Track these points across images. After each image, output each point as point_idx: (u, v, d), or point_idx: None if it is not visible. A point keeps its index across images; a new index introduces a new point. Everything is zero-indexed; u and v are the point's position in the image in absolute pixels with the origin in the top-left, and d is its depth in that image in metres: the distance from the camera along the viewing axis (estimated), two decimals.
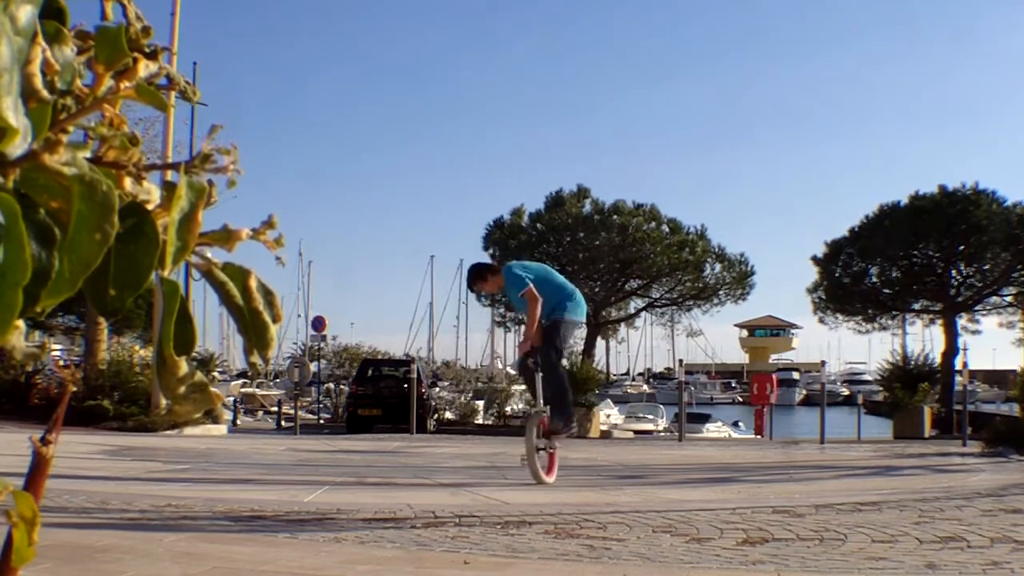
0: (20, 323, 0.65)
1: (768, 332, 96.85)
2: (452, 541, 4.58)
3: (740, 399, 63.16)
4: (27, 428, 12.24)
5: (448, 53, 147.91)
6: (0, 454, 7.54)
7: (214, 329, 50.98)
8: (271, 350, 0.83)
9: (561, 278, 7.34)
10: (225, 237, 0.80)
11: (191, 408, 0.83)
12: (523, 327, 8.07)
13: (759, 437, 21.30)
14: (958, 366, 21.07)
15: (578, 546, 4.48)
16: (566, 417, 6.97)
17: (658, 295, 31.07)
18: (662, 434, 25.76)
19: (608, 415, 27.33)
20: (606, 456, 11.25)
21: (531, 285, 6.84)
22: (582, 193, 29.13)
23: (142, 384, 16.01)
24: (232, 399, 27.37)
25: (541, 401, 7.01)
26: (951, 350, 24.72)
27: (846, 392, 58.51)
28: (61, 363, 22.47)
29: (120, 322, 20.93)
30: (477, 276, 7.33)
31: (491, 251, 30.48)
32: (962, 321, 26.82)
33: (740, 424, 32.86)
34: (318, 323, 25.35)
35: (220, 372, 35.03)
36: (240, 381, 38.52)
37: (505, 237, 29.43)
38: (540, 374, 6.98)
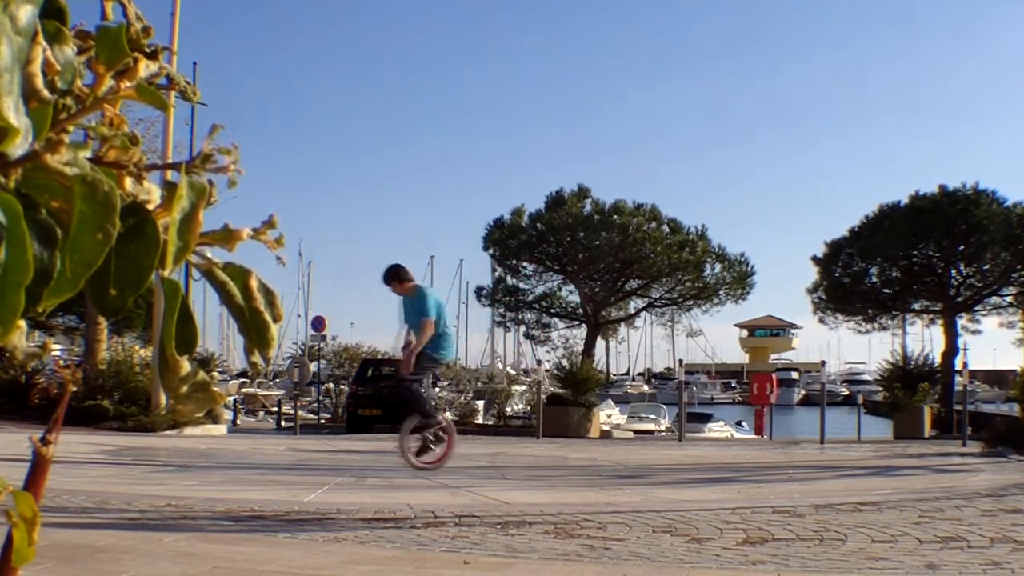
0: (22, 323, 0.65)
1: (768, 332, 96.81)
2: (452, 541, 4.58)
3: (740, 399, 63.11)
4: (27, 428, 12.23)
5: (448, 53, 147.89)
6: (0, 454, 7.54)
7: (214, 329, 50.88)
8: (272, 350, 0.83)
9: (445, 316, 8.35)
10: (226, 237, 0.80)
11: (194, 407, 0.83)
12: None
13: (759, 437, 21.30)
14: (958, 366, 21.06)
15: (578, 546, 4.48)
16: (428, 418, 7.97)
17: (658, 295, 30.99)
18: (664, 434, 25.74)
19: (609, 415, 27.31)
20: (606, 456, 11.25)
21: (433, 319, 7.90)
22: (582, 193, 29.09)
23: (142, 384, 16.00)
24: (232, 399, 27.33)
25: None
26: (951, 350, 24.70)
27: (845, 392, 58.46)
28: (61, 363, 22.45)
29: (120, 322, 20.89)
30: (393, 276, 8.14)
31: (491, 251, 30.43)
32: (962, 321, 26.79)
33: (743, 424, 32.78)
34: (318, 323, 25.32)
35: (220, 372, 35.01)
36: (240, 381, 38.49)
37: (505, 237, 29.38)
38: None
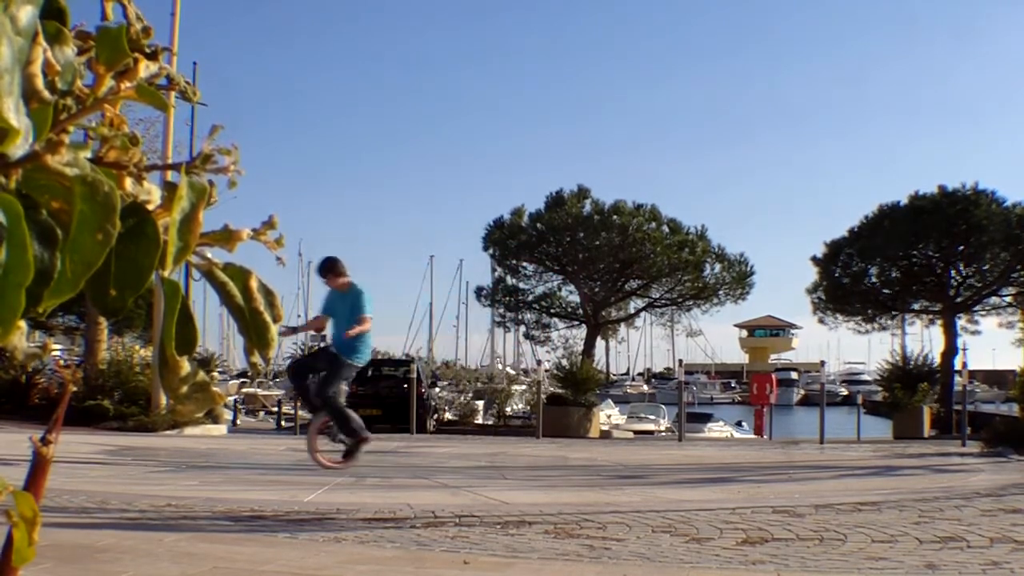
0: (22, 323, 0.65)
1: (768, 332, 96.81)
2: (452, 541, 4.59)
3: (740, 399, 63.09)
4: (27, 428, 12.23)
5: (448, 53, 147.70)
6: (0, 454, 7.54)
7: (214, 329, 50.80)
8: (272, 350, 0.83)
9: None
10: (226, 237, 0.80)
11: (194, 407, 0.83)
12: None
13: (759, 437, 21.30)
14: (957, 366, 21.06)
15: (578, 546, 4.48)
16: (356, 437, 7.60)
17: (658, 295, 31.00)
18: (664, 434, 25.75)
19: (609, 415, 27.29)
20: (606, 456, 11.25)
21: (370, 316, 7.73)
22: (582, 193, 29.10)
23: (142, 384, 15.99)
24: (232, 399, 27.31)
25: (312, 406, 8.00)
26: (950, 350, 24.69)
27: (845, 392, 58.45)
28: (61, 363, 22.44)
29: (120, 322, 20.90)
30: (330, 269, 7.90)
31: (491, 251, 30.43)
32: (961, 321, 26.78)
33: (743, 424, 32.76)
34: None
35: (220, 372, 34.99)
36: (240, 381, 38.48)
37: (505, 237, 29.38)
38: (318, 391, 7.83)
